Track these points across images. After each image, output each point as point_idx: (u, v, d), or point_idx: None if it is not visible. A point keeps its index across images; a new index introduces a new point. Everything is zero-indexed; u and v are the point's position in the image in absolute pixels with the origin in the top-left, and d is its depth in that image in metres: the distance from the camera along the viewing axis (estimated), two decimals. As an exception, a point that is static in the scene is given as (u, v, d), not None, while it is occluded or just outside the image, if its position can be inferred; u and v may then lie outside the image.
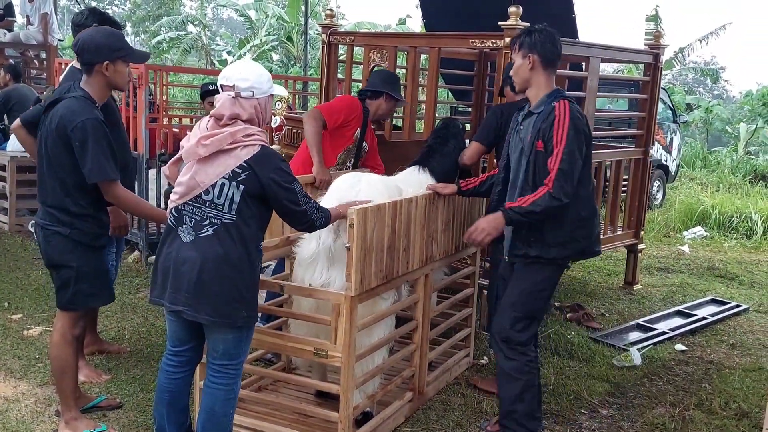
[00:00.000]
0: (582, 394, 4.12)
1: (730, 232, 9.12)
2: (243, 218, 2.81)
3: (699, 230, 9.14)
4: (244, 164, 2.78)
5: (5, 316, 4.87)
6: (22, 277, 5.75)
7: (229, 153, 2.77)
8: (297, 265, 3.42)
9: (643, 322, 5.48)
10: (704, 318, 5.63)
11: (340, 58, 6.28)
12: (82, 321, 3.41)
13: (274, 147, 4.70)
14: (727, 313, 5.80)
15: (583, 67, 5.55)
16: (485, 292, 4.83)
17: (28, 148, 3.67)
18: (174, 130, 7.11)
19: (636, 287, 6.47)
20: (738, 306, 6.02)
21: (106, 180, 3.17)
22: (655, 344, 5.03)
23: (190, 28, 26.53)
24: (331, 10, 6.13)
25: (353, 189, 3.45)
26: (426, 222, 3.66)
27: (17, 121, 3.63)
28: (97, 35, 3.29)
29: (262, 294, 3.90)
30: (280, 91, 3.67)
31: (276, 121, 4.79)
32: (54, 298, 5.14)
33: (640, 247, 6.42)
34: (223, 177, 2.77)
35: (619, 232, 6.21)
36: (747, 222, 9.15)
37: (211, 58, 26.67)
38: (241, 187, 2.78)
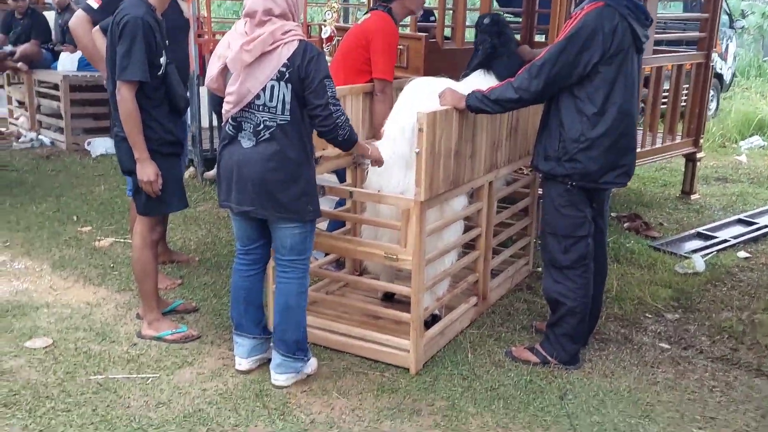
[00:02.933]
0: (645, 300, 4.13)
1: (790, 142, 8.84)
2: (296, 117, 2.87)
3: (756, 140, 8.87)
4: (287, 62, 2.80)
5: (75, 228, 5.04)
6: (86, 193, 5.91)
7: (272, 53, 2.80)
8: (371, 171, 3.43)
9: (704, 230, 5.41)
10: (767, 226, 5.53)
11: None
12: (159, 226, 3.52)
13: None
14: (789, 221, 5.68)
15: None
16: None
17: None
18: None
19: (694, 197, 6.36)
20: (802, 214, 5.89)
21: (120, 79, 3.13)
22: (717, 252, 4.99)
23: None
24: None
25: (434, 96, 3.32)
26: (491, 128, 3.62)
27: (97, 28, 3.66)
28: None
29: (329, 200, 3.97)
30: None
31: (327, 32, 4.73)
32: (120, 211, 5.36)
33: (699, 155, 6.27)
34: (272, 79, 2.81)
35: (678, 141, 6.06)
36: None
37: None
38: (289, 85, 2.82)
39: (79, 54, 7.31)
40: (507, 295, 4.17)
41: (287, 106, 2.84)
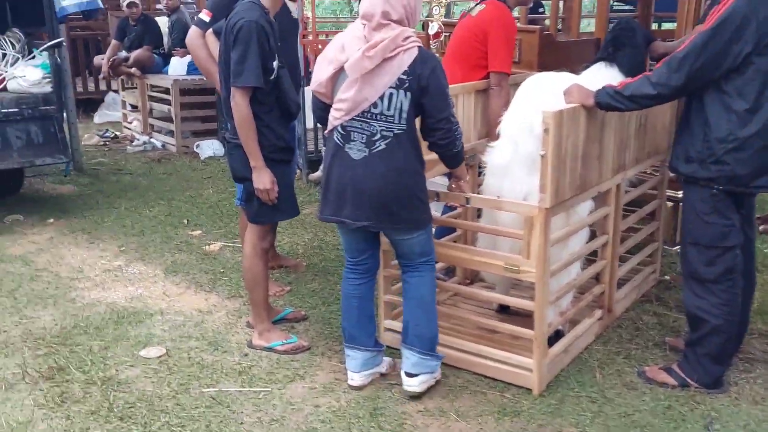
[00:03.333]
0: (790, 313, 3.72)
1: None
2: (411, 126, 2.75)
3: None
4: (407, 70, 2.68)
5: (186, 232, 5.09)
6: (195, 196, 5.99)
7: (392, 60, 2.68)
8: (489, 174, 3.22)
9: None
10: None
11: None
12: (269, 235, 3.46)
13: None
14: None
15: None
16: (671, 204, 4.41)
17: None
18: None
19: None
20: None
21: (235, 86, 3.05)
22: None
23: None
24: None
25: (558, 92, 3.07)
26: (619, 126, 3.33)
27: (210, 31, 3.64)
28: None
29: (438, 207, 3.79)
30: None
31: (434, 28, 4.53)
32: (228, 215, 5.39)
33: None
34: (390, 87, 2.69)
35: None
36: None
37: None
38: (408, 94, 2.70)
39: (188, 58, 7.45)
40: (633, 306, 3.85)
41: (404, 115, 2.72)
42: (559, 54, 4.88)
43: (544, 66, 4.56)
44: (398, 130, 2.72)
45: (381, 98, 2.69)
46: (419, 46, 2.71)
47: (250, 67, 3.00)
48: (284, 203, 3.30)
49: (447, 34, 4.87)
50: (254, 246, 3.34)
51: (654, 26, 7.26)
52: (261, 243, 3.35)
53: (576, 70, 3.83)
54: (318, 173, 6.29)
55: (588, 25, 8.21)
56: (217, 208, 5.61)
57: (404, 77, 2.68)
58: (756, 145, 2.76)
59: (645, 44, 3.94)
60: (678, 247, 4.52)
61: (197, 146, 7.40)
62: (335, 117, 2.78)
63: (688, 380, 3.04)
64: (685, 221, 3.01)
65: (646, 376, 3.14)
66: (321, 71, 2.81)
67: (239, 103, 3.06)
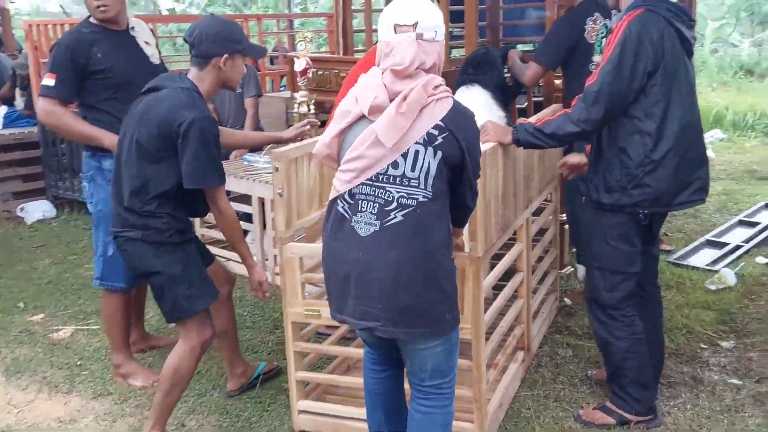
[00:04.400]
0: (693, 327, 3.75)
1: (746, 132, 8.82)
2: (439, 192, 2.14)
3: (716, 133, 8.82)
4: (440, 123, 2.12)
5: (25, 318, 4.28)
6: (28, 270, 5.12)
7: (422, 111, 2.12)
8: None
9: (712, 237, 5.14)
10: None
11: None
12: (207, 324, 2.87)
13: (301, 93, 4.16)
14: (790, 218, 5.49)
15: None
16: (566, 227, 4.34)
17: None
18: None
19: (684, 200, 6.10)
20: (797, 208, 5.73)
21: (208, 187, 2.73)
22: (734, 260, 4.70)
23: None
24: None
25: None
26: (526, 159, 3.17)
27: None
28: (217, 23, 2.80)
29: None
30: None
31: (301, 64, 4.17)
32: (74, 289, 4.62)
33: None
34: (417, 142, 2.12)
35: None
36: (763, 119, 8.84)
37: (159, 10, 25.21)
38: (439, 153, 2.11)
39: (4, 109, 6.50)
40: (545, 340, 3.70)
41: (430, 180, 2.11)
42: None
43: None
44: (423, 197, 2.11)
45: (404, 156, 2.12)
46: (453, 98, 2.20)
47: (215, 166, 2.70)
48: (203, 285, 2.84)
49: (314, 69, 4.54)
50: (193, 348, 2.82)
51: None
52: (200, 336, 2.84)
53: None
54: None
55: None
56: (59, 283, 4.81)
57: (435, 133, 2.11)
58: (671, 162, 2.72)
59: (501, 58, 3.93)
60: (567, 269, 4.53)
61: (21, 209, 6.41)
62: (342, 181, 2.17)
63: (626, 415, 2.93)
64: (592, 246, 2.93)
65: (583, 420, 2.98)
66: (328, 131, 2.25)
67: (224, 207, 2.77)
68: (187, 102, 2.67)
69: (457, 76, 3.76)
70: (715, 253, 4.84)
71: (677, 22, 2.73)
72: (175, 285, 2.76)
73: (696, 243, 5.03)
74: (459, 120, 2.16)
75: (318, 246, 2.85)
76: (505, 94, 3.87)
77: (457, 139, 2.13)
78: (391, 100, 2.14)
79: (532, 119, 3.10)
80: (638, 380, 2.91)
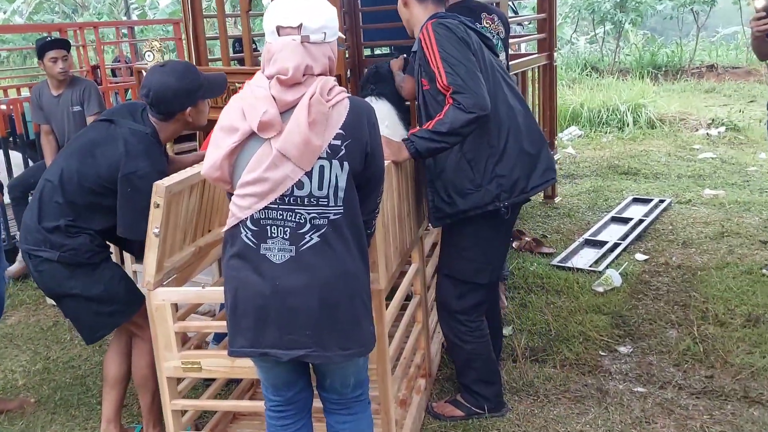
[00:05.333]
0: (589, 334, 3.69)
1: (602, 127, 9.18)
2: (351, 206, 1.99)
3: (574, 130, 9.11)
4: (340, 132, 1.94)
5: None
6: None
7: (320, 121, 1.94)
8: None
9: (589, 237, 5.19)
10: (640, 221, 5.45)
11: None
12: (145, 323, 2.63)
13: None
14: (657, 212, 5.66)
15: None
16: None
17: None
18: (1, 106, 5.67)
19: (557, 200, 6.18)
20: (661, 201, 5.93)
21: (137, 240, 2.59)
22: (615, 258, 4.75)
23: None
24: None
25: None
26: (416, 174, 2.94)
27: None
28: (170, 79, 2.60)
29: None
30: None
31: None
32: None
33: (555, 158, 6.09)
34: (320, 157, 1.92)
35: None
36: (616, 114, 9.24)
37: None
38: (345, 165, 1.95)
39: None
40: (444, 361, 3.50)
41: (340, 194, 1.95)
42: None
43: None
44: (335, 215, 1.95)
45: (308, 175, 1.91)
46: (349, 96, 2.00)
47: (146, 219, 2.44)
48: (129, 295, 2.76)
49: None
50: (146, 352, 2.77)
51: (367, 52, 7.28)
52: (143, 336, 2.77)
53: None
54: (16, 265, 4.99)
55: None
56: None
57: (337, 143, 1.93)
58: (514, 148, 2.72)
59: (389, 71, 3.83)
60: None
61: None
62: (242, 207, 1.95)
63: (474, 409, 3.01)
64: (443, 255, 2.95)
65: (435, 412, 3.06)
66: (215, 149, 1.97)
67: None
68: (142, 151, 2.58)
69: (358, 91, 3.59)
70: (595, 253, 4.87)
71: (472, 24, 2.78)
72: (95, 305, 2.67)
73: (575, 244, 5.04)
74: (359, 122, 1.98)
75: (194, 289, 2.50)
76: (404, 107, 3.77)
77: (360, 144, 1.98)
78: (282, 113, 1.92)
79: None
80: (483, 378, 2.99)
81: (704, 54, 14.58)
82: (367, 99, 3.44)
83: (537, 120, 5.91)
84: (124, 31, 10.90)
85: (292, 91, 1.92)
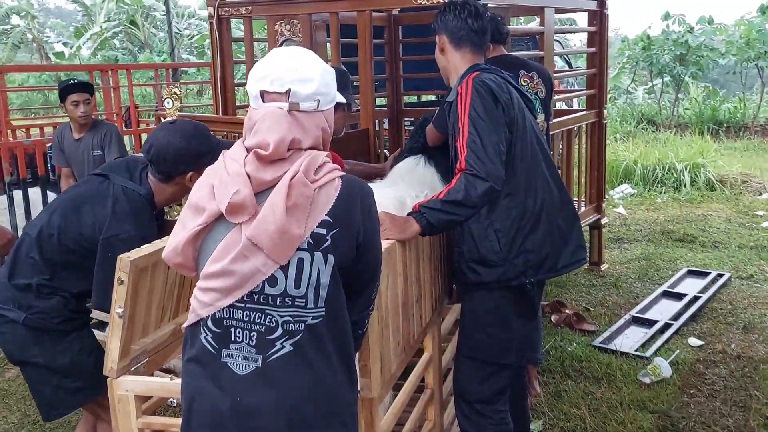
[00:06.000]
0: (631, 436, 3.23)
1: (656, 186, 8.65)
2: (336, 308, 1.63)
3: (626, 188, 8.61)
4: (326, 218, 1.59)
5: None
6: None
7: (302, 205, 1.60)
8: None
9: (637, 314, 4.70)
10: (696, 297, 4.94)
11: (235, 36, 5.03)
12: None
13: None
14: (714, 288, 5.14)
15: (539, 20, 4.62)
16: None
17: None
18: (23, 143, 5.57)
19: (603, 267, 5.70)
20: (719, 275, 5.40)
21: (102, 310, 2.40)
22: (666, 342, 4.26)
23: (15, 20, 23.75)
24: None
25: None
26: (432, 250, 2.57)
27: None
28: (175, 139, 2.36)
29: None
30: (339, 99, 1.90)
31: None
32: None
33: (603, 221, 5.64)
34: (300, 248, 1.58)
35: (582, 210, 5.37)
36: (672, 173, 8.71)
37: (45, 52, 23.98)
38: (330, 258, 1.59)
39: None
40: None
41: (322, 294, 1.60)
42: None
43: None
44: (314, 319, 1.60)
45: (283, 269, 1.58)
46: (342, 175, 1.65)
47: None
48: (97, 374, 2.26)
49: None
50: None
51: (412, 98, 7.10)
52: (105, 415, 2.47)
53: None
54: None
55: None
56: None
57: (322, 232, 1.59)
58: (545, 222, 2.44)
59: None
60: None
61: None
62: (203, 303, 1.62)
63: None
64: (463, 333, 2.58)
65: None
66: (180, 230, 1.66)
67: None
68: (130, 213, 2.36)
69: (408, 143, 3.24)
70: (643, 334, 4.39)
71: (513, 81, 2.54)
72: (57, 378, 2.42)
73: (621, 321, 4.57)
74: (350, 206, 1.63)
75: (161, 380, 2.16)
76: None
77: (350, 234, 1.63)
78: (257, 193, 1.58)
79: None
80: None
81: (769, 111, 13.93)
82: (413, 159, 3.03)
83: (583, 181, 5.51)
84: (164, 73, 10.97)
85: (272, 169, 1.59)
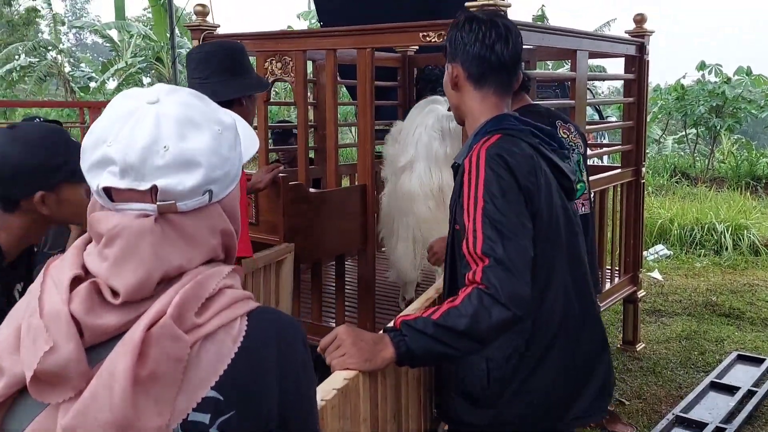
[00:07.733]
0: None
1: (695, 248, 7.90)
2: None
3: (661, 249, 7.86)
4: (214, 395, 0.90)
5: None
6: None
7: (176, 368, 0.92)
8: None
9: (681, 413, 3.95)
10: (751, 392, 4.18)
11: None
12: None
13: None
14: (770, 379, 4.39)
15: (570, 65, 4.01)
16: None
17: None
18: None
19: (639, 347, 4.96)
20: (775, 363, 4.64)
21: None
22: (719, 453, 3.52)
23: (50, 54, 23.96)
24: (203, 5, 4.25)
25: None
26: (425, 372, 1.90)
27: None
28: (14, 149, 1.66)
29: None
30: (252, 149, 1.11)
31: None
32: None
33: (639, 294, 4.92)
34: (193, 409, 0.90)
35: (615, 282, 4.66)
36: (712, 234, 7.96)
37: (72, 85, 24.01)
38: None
39: None
40: None
41: None
42: (311, 210, 3.51)
43: (293, 229, 3.25)
44: None
45: None
46: (250, 311, 0.97)
47: None
48: None
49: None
50: None
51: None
52: None
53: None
54: None
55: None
56: None
57: (203, 418, 0.90)
58: (559, 354, 1.77)
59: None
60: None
61: None
62: None
63: None
64: None
65: None
66: None
67: None
68: None
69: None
70: (689, 440, 3.66)
71: (548, 152, 1.80)
72: None
73: (663, 423, 3.82)
74: (260, 368, 0.95)
75: None
76: None
77: (257, 416, 0.94)
78: (87, 348, 0.90)
79: (411, 308, 1.92)
80: None
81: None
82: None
83: (618, 248, 4.80)
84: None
85: (119, 309, 0.92)
